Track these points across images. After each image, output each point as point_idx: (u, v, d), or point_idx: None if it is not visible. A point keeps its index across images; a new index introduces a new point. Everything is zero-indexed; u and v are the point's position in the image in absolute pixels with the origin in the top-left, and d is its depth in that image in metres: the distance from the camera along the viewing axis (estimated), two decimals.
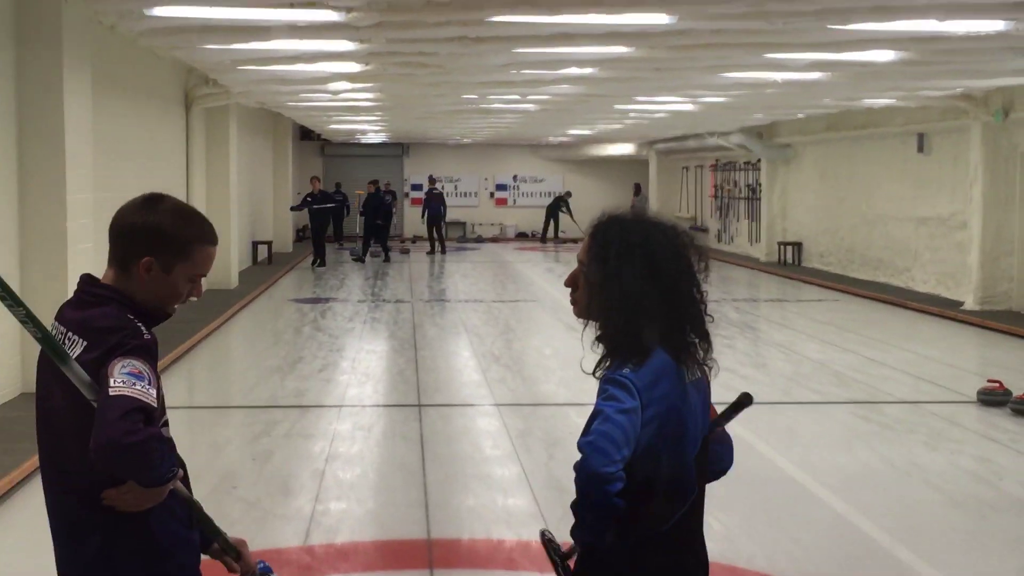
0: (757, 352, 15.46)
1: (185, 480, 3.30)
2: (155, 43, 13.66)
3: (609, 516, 2.96)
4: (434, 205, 33.17)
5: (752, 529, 7.46)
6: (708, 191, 35.68)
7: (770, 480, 8.66)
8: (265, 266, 26.94)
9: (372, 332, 16.75)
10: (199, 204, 19.81)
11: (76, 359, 3.02)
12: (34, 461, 6.30)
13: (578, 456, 2.97)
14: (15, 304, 2.94)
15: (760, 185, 30.48)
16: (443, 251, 32.72)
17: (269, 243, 28.32)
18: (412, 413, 10.97)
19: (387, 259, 30.33)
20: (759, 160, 30.31)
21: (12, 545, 7.06)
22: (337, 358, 14.25)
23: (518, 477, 8.62)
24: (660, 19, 10.96)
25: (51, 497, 3.22)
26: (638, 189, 37.34)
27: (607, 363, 3.16)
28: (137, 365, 2.99)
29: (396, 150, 40.92)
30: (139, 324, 3.13)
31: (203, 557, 3.36)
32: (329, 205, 29.39)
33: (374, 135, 36.30)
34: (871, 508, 7.92)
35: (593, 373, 3.22)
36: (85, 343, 3.07)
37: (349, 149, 40.45)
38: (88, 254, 11.24)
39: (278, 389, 12.25)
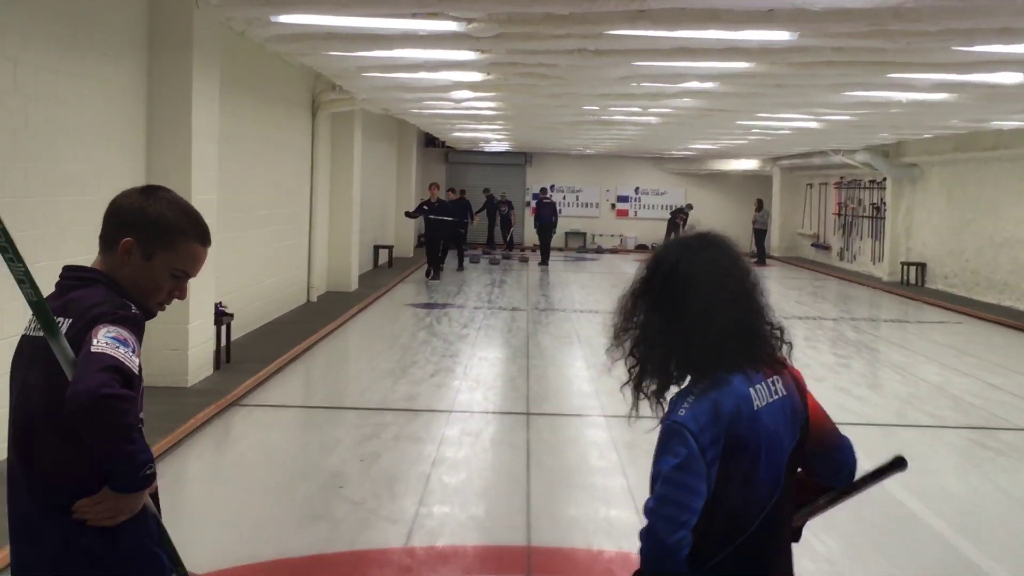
0: (873, 373, 15.25)
1: (156, 500, 3.14)
2: (282, 49, 13.97)
3: None
4: (545, 215, 33.23)
5: (856, 553, 7.38)
6: (832, 208, 35.24)
7: (878, 503, 8.54)
8: (385, 270, 27.27)
9: (486, 339, 16.87)
10: (322, 207, 20.16)
11: (68, 335, 2.93)
12: None
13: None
14: (16, 260, 2.89)
15: (885, 204, 30.02)
16: (544, 262, 32.44)
17: (390, 248, 28.67)
18: (520, 421, 11.05)
19: (460, 267, 29.18)
20: (884, 179, 29.85)
21: None
22: (450, 364, 14.39)
23: (622, 489, 8.64)
24: (781, 36, 10.91)
25: (13, 495, 3.06)
26: (760, 205, 37.01)
27: (664, 401, 3.03)
28: (123, 332, 2.89)
29: (519, 159, 41.12)
30: (128, 302, 3.05)
31: None
32: (447, 218, 27.11)
33: (497, 143, 36.54)
34: (982, 538, 7.78)
35: (658, 410, 3.08)
36: (69, 321, 2.98)
37: (473, 157, 40.77)
38: (211, 254, 11.51)
39: (390, 392, 12.42)
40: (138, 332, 2.96)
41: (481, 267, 30.53)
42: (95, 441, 2.78)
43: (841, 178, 33.98)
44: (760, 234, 36.06)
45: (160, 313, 3.27)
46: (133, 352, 2.87)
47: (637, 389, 3.07)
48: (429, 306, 20.68)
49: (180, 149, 11.14)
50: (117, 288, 3.09)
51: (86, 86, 9.58)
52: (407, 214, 28.66)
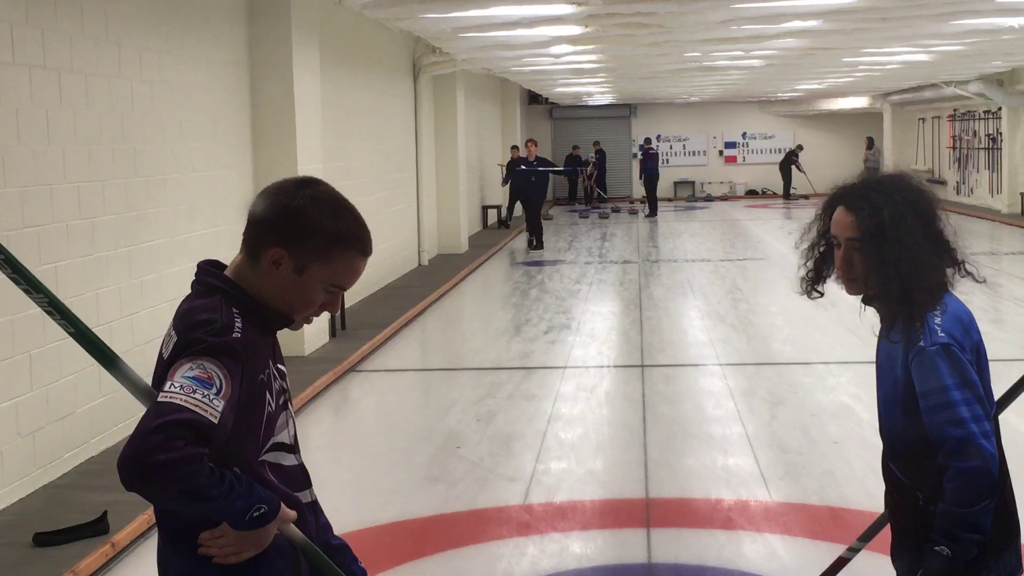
0: (995, 307, 14.91)
1: (321, 525, 2.85)
2: (379, 15, 14.01)
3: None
4: (650, 165, 32.96)
5: None
6: (946, 142, 34.43)
7: (1005, 439, 8.38)
8: (495, 230, 27.33)
9: (598, 293, 16.84)
10: (428, 171, 20.25)
11: (166, 359, 2.58)
12: None
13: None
14: (33, 290, 2.47)
15: (1001, 134, 29.25)
16: (653, 213, 32.10)
17: (498, 207, 28.71)
18: (635, 374, 11.02)
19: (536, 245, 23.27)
20: (999, 109, 29.07)
21: None
22: (563, 320, 14.39)
23: (740, 437, 8.58)
24: None
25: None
26: (871, 143, 36.32)
27: (909, 326, 3.08)
28: (208, 368, 2.45)
29: (623, 111, 40.84)
30: (236, 321, 2.59)
31: None
32: (544, 172, 24.00)
33: (600, 96, 36.32)
34: None
35: (888, 337, 3.16)
36: (176, 339, 2.58)
37: (577, 111, 40.60)
38: None
39: (504, 351, 12.47)
40: (234, 361, 2.52)
41: (590, 222, 30.44)
42: (164, 506, 2.52)
43: (954, 110, 33.16)
44: (873, 172, 35.25)
45: None
46: (218, 393, 2.42)
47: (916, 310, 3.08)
48: (540, 263, 20.69)
49: (284, 121, 11.24)
50: (243, 300, 2.67)
51: (188, 64, 9.72)
52: (505, 183, 25.46)
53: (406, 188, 18.95)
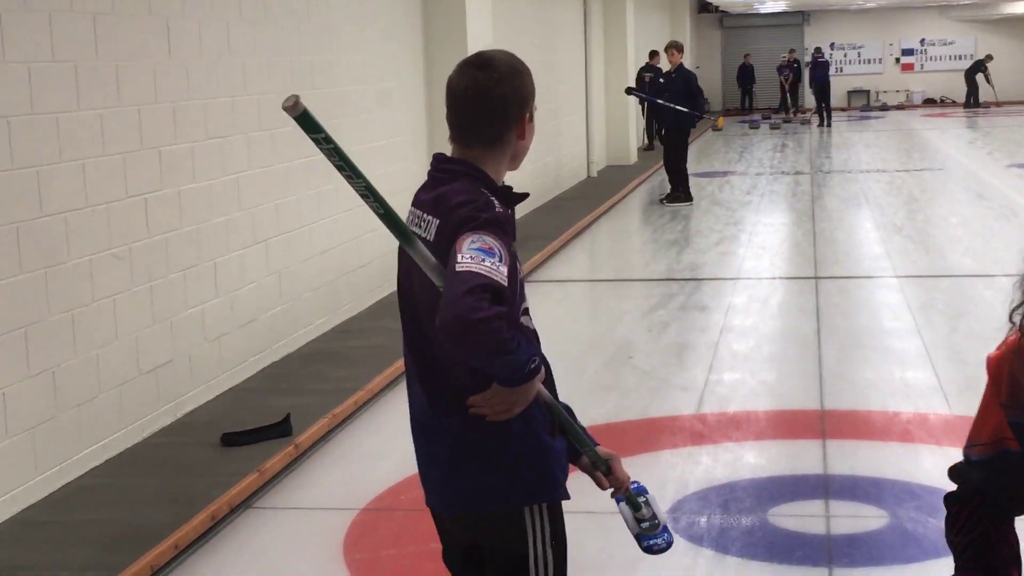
0: None
1: (551, 384, 3.01)
2: None
3: None
4: (820, 74, 32.09)
5: None
6: None
7: None
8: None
9: (770, 205, 16.59)
10: (597, 85, 20.14)
11: (431, 241, 2.80)
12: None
13: None
14: (354, 176, 2.65)
15: None
16: (828, 123, 31.14)
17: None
18: (809, 286, 10.86)
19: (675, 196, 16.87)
20: None
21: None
22: (735, 231, 14.23)
23: (918, 350, 8.41)
24: None
25: (410, 392, 3.02)
26: None
27: None
28: (487, 240, 2.70)
29: (796, 18, 39.83)
30: (492, 198, 2.84)
31: (574, 472, 3.06)
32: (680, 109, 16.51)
33: (773, 3, 35.49)
34: None
35: None
36: (438, 221, 2.82)
37: (748, 20, 39.79)
38: None
39: (674, 263, 12.41)
40: (505, 233, 2.76)
41: (761, 132, 29.92)
42: (473, 361, 2.72)
43: None
44: None
45: None
46: (501, 260, 2.67)
47: None
48: (711, 175, 20.45)
49: (456, 32, 11.25)
50: (484, 180, 2.89)
51: None
52: (630, 91, 19.28)
53: (575, 100, 18.86)
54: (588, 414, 7.06)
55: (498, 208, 2.82)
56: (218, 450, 6.36)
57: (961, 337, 8.72)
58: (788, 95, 35.19)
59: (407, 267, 2.94)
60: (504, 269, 2.67)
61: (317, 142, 2.58)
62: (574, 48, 18.85)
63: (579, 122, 19.21)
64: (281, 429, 6.53)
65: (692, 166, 20.58)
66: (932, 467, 6.12)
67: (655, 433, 6.82)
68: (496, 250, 2.69)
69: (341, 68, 9.34)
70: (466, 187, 2.85)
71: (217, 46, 7.47)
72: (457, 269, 2.63)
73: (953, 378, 7.63)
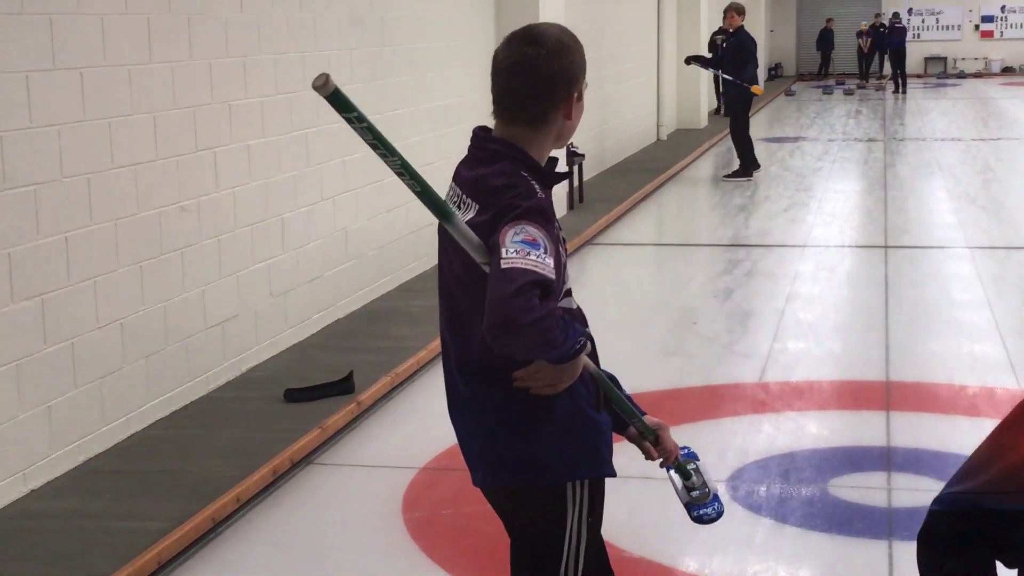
0: None
1: (594, 356, 2.94)
2: None
3: None
4: (896, 39, 31.57)
5: None
6: None
7: None
8: None
9: (841, 171, 16.40)
10: (670, 46, 19.98)
11: (469, 222, 2.70)
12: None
13: None
14: (389, 154, 2.57)
15: None
16: (903, 90, 30.67)
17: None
18: (878, 255, 10.73)
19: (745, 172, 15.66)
20: None
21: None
22: (804, 198, 14.09)
23: (987, 323, 8.29)
24: None
25: (447, 369, 2.97)
26: None
27: None
28: (531, 231, 2.61)
29: None
30: (533, 183, 2.74)
31: (621, 441, 3.05)
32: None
33: None
34: None
35: None
36: (477, 206, 2.73)
37: None
38: None
39: (742, 228, 12.31)
40: (547, 220, 2.68)
41: (834, 97, 29.54)
42: (519, 357, 2.69)
43: None
44: None
45: None
46: (545, 251, 2.60)
47: None
48: (782, 140, 20.23)
49: None
50: (526, 161, 2.79)
51: None
52: (690, 60, 16.52)
53: (646, 61, 18.73)
54: (650, 379, 7.08)
55: (540, 194, 2.73)
56: (281, 406, 6.40)
57: None
58: (865, 61, 34.66)
59: (445, 243, 2.86)
60: (550, 260, 2.60)
61: (350, 121, 2.51)
62: (647, 10, 18.68)
63: (650, 84, 19.07)
64: (344, 386, 6.57)
65: (764, 130, 20.37)
66: None
67: (717, 400, 6.79)
68: (540, 241, 2.61)
69: (410, 24, 9.31)
70: (506, 170, 2.75)
71: (288, 1, 7.48)
72: (503, 266, 2.56)
73: (1023, 352, 7.51)
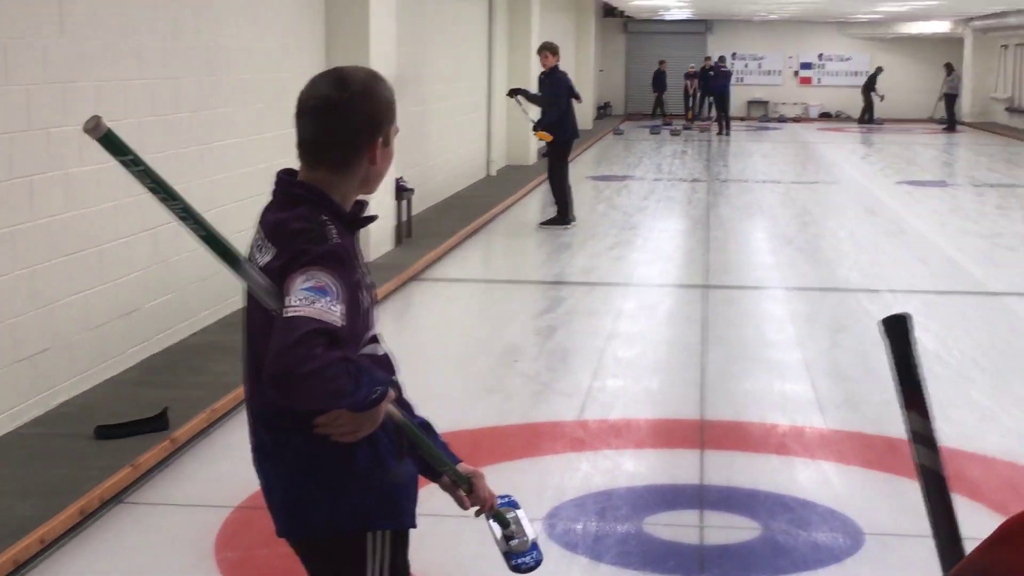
0: None
1: (403, 402, 2.92)
2: None
3: None
4: (722, 83, 32.48)
5: None
6: None
7: None
8: None
9: (666, 211, 16.76)
10: (501, 81, 20.13)
11: (265, 267, 2.66)
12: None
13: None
14: (170, 198, 2.49)
15: None
16: (727, 132, 31.33)
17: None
18: (698, 294, 10.98)
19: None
20: None
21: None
22: (629, 236, 14.34)
23: (798, 363, 8.54)
24: None
25: (250, 416, 2.89)
26: (950, 69, 35.56)
27: None
28: (321, 278, 2.55)
29: (699, 27, 40.25)
30: (332, 227, 2.68)
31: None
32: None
33: (677, 11, 35.81)
34: None
35: None
36: (275, 249, 2.68)
37: (652, 26, 40.10)
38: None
39: (567, 266, 12.48)
40: (342, 265, 2.63)
41: (660, 138, 30.19)
42: (306, 408, 2.65)
43: None
44: (950, 99, 34.84)
45: None
46: (336, 298, 2.53)
47: None
48: (609, 178, 20.57)
49: (359, 26, 11.18)
50: (328, 205, 2.73)
51: None
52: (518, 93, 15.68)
53: (477, 97, 18.86)
54: (471, 416, 7.09)
55: (335, 239, 2.66)
56: (91, 443, 6.23)
57: (841, 351, 8.87)
58: (693, 102, 35.56)
59: (248, 298, 2.80)
60: (339, 308, 2.54)
61: (125, 164, 2.42)
62: (478, 47, 18.84)
63: (480, 121, 19.21)
64: (157, 423, 6.42)
65: (591, 169, 20.68)
66: (805, 480, 6.23)
67: (536, 438, 6.84)
68: (330, 287, 2.55)
69: (240, 55, 9.22)
70: (304, 214, 2.70)
71: (112, 26, 7.34)
72: (287, 315, 2.50)
73: (831, 392, 7.77)
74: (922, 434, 1.93)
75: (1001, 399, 7.64)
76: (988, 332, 9.61)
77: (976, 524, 5.63)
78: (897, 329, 1.99)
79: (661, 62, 36.95)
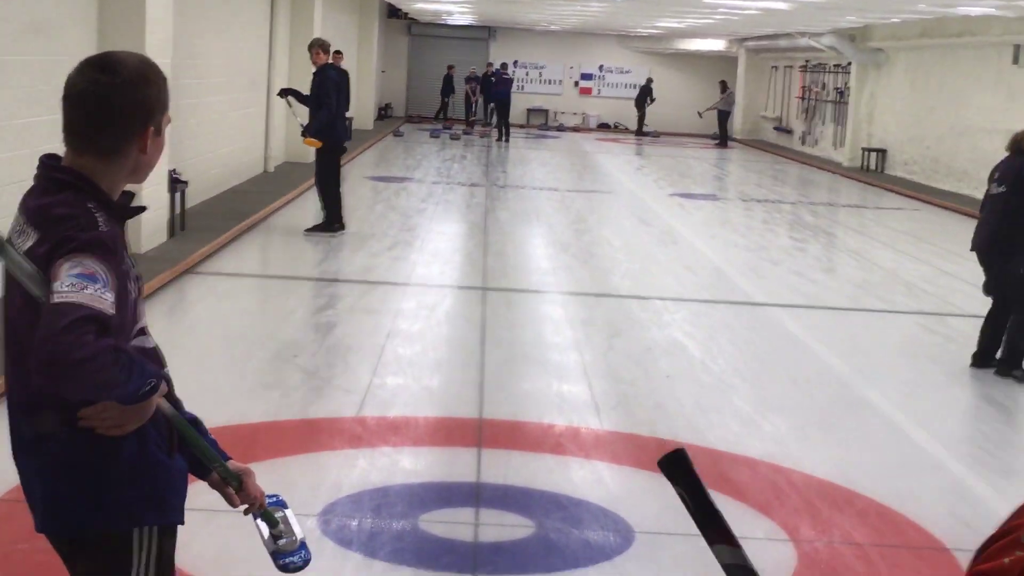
0: (829, 257, 15.35)
1: (172, 396, 2.85)
2: None
3: None
4: (503, 90, 32.83)
5: (802, 433, 7.46)
6: (796, 92, 35.09)
7: (826, 385, 8.64)
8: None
9: (444, 214, 16.80)
10: (280, 78, 19.87)
11: (28, 251, 2.57)
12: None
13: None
14: None
15: (848, 89, 29.91)
16: (506, 138, 31.76)
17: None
18: (477, 296, 11.04)
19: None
20: (849, 63, 29.70)
21: None
22: (408, 237, 14.32)
23: (576, 365, 8.67)
24: None
25: (9, 407, 2.76)
26: (724, 86, 36.80)
27: None
28: (90, 264, 2.48)
29: (483, 33, 40.58)
30: (97, 215, 2.61)
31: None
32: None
33: (461, 16, 36.01)
34: (927, 419, 7.87)
35: None
36: (38, 235, 2.59)
37: (436, 30, 40.21)
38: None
39: (346, 264, 12.39)
40: (110, 252, 2.55)
41: (440, 142, 30.29)
42: (75, 398, 2.55)
43: (806, 61, 33.79)
44: (723, 116, 36.05)
45: None
46: (105, 285, 2.46)
47: None
48: (388, 179, 20.52)
49: (134, 11, 10.86)
50: (94, 193, 2.64)
51: None
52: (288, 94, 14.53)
53: (256, 92, 18.56)
54: (248, 412, 6.96)
55: (103, 227, 2.58)
56: None
57: (616, 355, 9.04)
58: (475, 107, 35.81)
59: (11, 281, 2.66)
60: (110, 295, 2.47)
61: None
62: (259, 43, 18.53)
63: (259, 116, 18.91)
64: None
65: (371, 169, 20.62)
66: (580, 480, 6.32)
67: (314, 434, 6.76)
68: (100, 275, 2.48)
69: (5, 36, 8.84)
70: (69, 200, 2.61)
71: None
72: (55, 300, 2.42)
73: (606, 394, 7.90)
74: (737, 565, 1.86)
75: (761, 406, 7.91)
76: (751, 341, 9.94)
77: (742, 525, 5.81)
78: (678, 466, 1.88)
79: (450, 66, 37.09)
